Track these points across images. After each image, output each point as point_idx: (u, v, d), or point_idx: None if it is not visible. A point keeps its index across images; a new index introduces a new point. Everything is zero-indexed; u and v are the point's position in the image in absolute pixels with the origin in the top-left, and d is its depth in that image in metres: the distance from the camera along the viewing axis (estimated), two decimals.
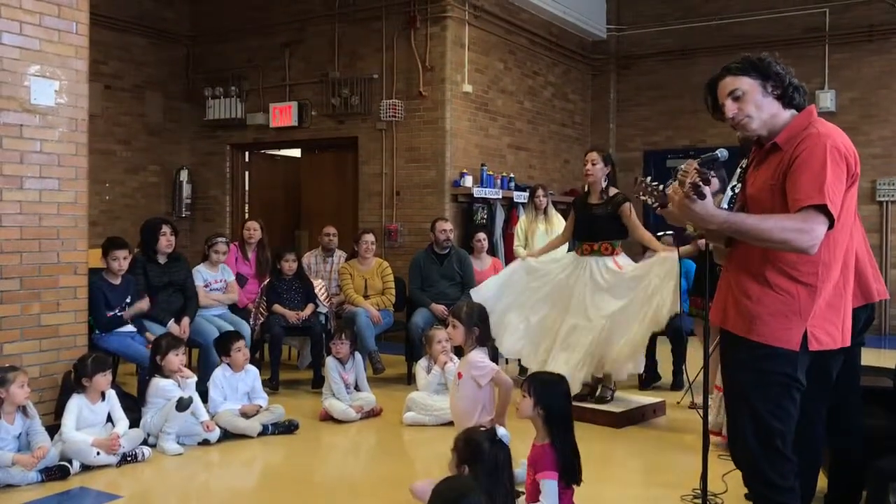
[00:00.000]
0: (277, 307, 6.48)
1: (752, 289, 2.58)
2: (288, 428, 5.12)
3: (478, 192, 8.64)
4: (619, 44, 11.27)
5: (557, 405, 3.38)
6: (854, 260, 2.69)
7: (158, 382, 4.80)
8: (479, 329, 3.94)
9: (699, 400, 5.58)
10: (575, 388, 5.36)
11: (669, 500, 3.89)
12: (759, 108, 2.61)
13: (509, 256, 8.61)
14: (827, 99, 9.71)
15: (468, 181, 8.56)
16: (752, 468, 2.65)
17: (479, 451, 3.13)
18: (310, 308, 6.56)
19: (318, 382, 6.23)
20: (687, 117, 10.54)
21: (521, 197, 9.05)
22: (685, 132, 10.70)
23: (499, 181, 9.01)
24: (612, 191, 5.47)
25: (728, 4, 10.39)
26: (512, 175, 9.31)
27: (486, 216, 8.76)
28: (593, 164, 5.43)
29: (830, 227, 2.43)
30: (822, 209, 2.40)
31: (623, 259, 5.47)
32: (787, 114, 2.63)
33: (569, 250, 5.81)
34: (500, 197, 8.96)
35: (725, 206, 2.80)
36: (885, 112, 9.62)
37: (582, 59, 11.10)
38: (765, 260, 2.56)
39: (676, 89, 10.63)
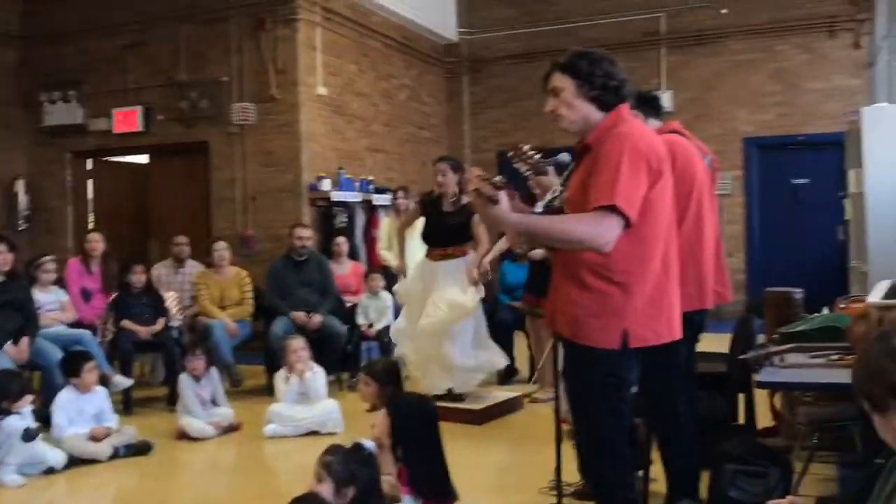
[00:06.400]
0: (127, 322, 6.19)
1: (572, 292, 2.62)
2: (141, 449, 4.89)
3: (336, 195, 8.55)
4: (470, 47, 11.47)
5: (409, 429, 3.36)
6: (677, 257, 2.73)
7: (10, 423, 4.40)
8: (393, 388, 3.80)
9: (539, 395, 5.92)
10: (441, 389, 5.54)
11: (528, 493, 4.00)
12: (571, 108, 2.69)
13: (371, 260, 8.61)
14: (665, 99, 10.26)
15: (326, 185, 8.46)
16: (591, 467, 2.76)
17: (351, 473, 3.04)
18: (161, 322, 6.31)
19: (174, 399, 5.99)
20: (537, 119, 10.79)
21: (381, 199, 9.04)
22: (536, 133, 10.96)
23: (358, 184, 8.95)
24: (465, 199, 5.59)
25: (571, 9, 10.76)
26: (371, 178, 9.28)
27: (346, 220, 8.70)
28: (444, 175, 5.59)
29: (628, 225, 2.48)
30: (614, 209, 2.46)
31: (471, 257, 5.62)
32: (599, 115, 2.67)
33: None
34: (360, 200, 8.91)
35: (539, 210, 2.86)
36: (716, 111, 10.27)
37: (436, 63, 11.22)
38: (579, 262, 2.59)
39: (526, 91, 10.93)
